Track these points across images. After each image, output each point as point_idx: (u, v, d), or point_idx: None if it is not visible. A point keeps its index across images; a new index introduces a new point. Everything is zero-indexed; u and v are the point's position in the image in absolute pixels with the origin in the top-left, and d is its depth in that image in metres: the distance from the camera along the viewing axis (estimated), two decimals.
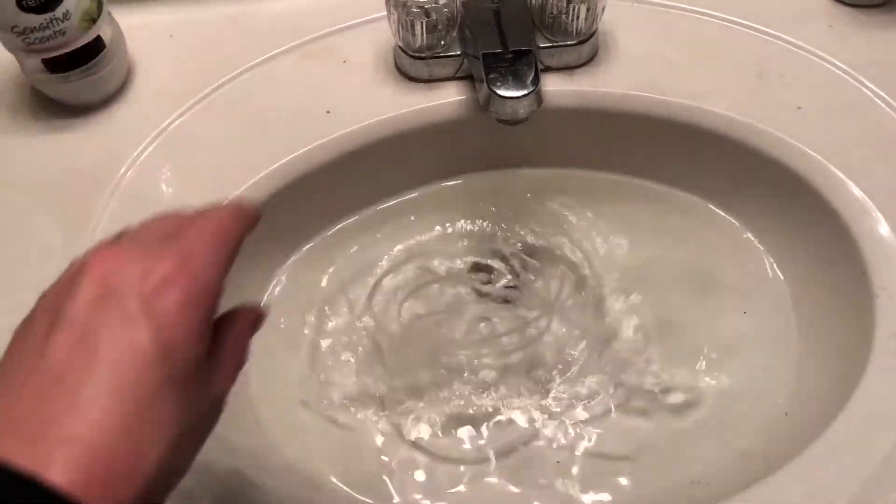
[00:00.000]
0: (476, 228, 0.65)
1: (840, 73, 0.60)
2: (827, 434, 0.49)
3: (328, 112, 0.59)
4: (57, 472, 0.25)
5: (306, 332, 0.60)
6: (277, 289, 0.61)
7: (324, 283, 0.62)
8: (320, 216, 0.63)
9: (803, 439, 0.51)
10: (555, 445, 0.57)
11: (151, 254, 0.29)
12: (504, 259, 0.64)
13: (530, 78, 0.53)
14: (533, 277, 0.63)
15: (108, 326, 0.28)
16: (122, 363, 0.27)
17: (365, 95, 0.60)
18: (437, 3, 0.55)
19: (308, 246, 0.63)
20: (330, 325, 0.61)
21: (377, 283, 0.62)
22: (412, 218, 0.65)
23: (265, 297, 0.61)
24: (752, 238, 0.62)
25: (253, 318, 0.35)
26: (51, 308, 0.29)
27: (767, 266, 0.61)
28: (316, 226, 0.63)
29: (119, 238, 0.32)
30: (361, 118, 0.59)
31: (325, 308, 0.61)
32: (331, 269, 0.63)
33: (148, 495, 0.27)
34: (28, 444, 0.26)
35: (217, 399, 0.32)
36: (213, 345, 0.31)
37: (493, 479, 0.55)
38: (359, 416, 0.57)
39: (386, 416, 0.57)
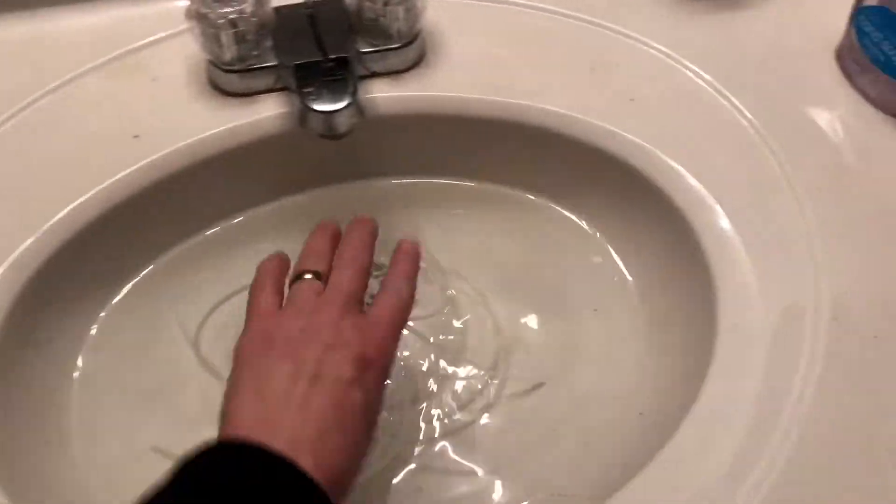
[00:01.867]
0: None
1: (671, 62, 0.59)
2: (678, 434, 0.48)
3: (136, 136, 0.54)
4: (306, 462, 0.34)
5: (129, 376, 0.55)
6: (95, 337, 0.56)
7: (149, 324, 0.57)
8: (137, 252, 0.57)
9: (657, 440, 0.49)
10: (414, 465, 0.54)
11: (360, 340, 0.40)
12: None
13: (348, 89, 0.50)
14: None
15: (335, 384, 0.38)
16: (347, 413, 0.38)
17: (177, 115, 0.55)
18: (243, 12, 0.51)
19: (128, 286, 0.58)
20: (159, 367, 0.56)
21: (205, 319, 0.57)
22: (245, 243, 0.61)
23: (83, 348, 0.55)
24: (598, 236, 0.61)
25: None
26: (290, 359, 0.39)
27: (614, 263, 0.60)
28: (133, 263, 0.58)
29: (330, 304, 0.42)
30: (175, 140, 0.55)
31: (151, 352, 0.56)
32: (157, 308, 0.58)
33: (346, 490, 0.37)
34: (284, 443, 0.35)
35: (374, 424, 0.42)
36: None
37: None
38: None
39: None
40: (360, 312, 0.42)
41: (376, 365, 0.40)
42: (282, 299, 0.44)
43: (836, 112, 0.57)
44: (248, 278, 0.58)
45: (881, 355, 0.49)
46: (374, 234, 0.47)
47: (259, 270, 0.46)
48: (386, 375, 0.41)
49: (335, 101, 0.49)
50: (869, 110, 0.57)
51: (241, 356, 0.40)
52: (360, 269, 0.44)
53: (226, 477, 0.33)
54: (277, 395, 0.37)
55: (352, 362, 0.38)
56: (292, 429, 0.36)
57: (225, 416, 0.38)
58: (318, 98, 0.49)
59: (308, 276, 0.44)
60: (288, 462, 0.34)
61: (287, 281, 0.45)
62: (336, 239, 0.47)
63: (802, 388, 0.48)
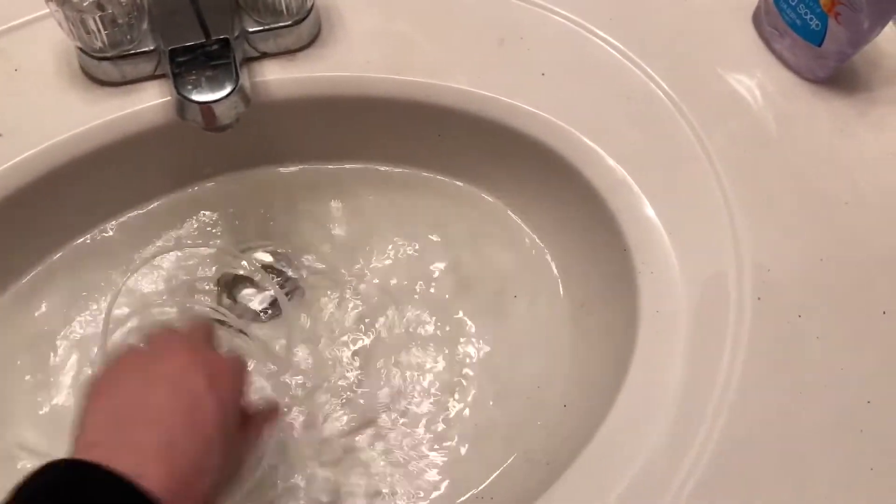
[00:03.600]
0: (213, 241, 0.57)
1: (583, 31, 0.56)
2: (603, 428, 0.46)
3: (0, 135, 0.49)
4: (151, 480, 0.34)
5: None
6: None
7: (31, 339, 0.52)
8: (11, 261, 0.52)
9: (583, 432, 0.47)
10: (323, 479, 0.51)
11: (212, 357, 0.42)
12: (249, 276, 0.56)
13: (231, 75, 0.45)
14: (288, 287, 0.56)
15: (186, 392, 0.39)
16: (198, 418, 0.38)
17: (47, 109, 0.50)
18: None
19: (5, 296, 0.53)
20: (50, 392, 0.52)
21: (104, 325, 0.53)
22: (133, 245, 0.56)
23: None
24: (515, 219, 0.58)
25: (273, 414, 0.48)
26: (143, 372, 0.40)
27: (533, 248, 0.57)
28: (8, 272, 0.53)
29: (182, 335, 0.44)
30: (45, 137, 0.49)
31: (39, 373, 0.52)
32: (38, 316, 0.53)
33: (208, 494, 0.38)
34: (132, 457, 0.35)
35: (241, 455, 0.44)
36: (243, 424, 0.43)
37: None
38: None
39: None
40: (209, 348, 0.45)
41: (227, 375, 0.42)
42: None
43: (753, 78, 0.55)
44: (137, 282, 0.55)
45: (805, 334, 0.47)
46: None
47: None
48: (239, 387, 0.43)
49: (216, 89, 0.44)
50: (787, 75, 0.55)
51: (94, 380, 0.41)
52: (204, 323, 0.47)
53: (61, 499, 0.33)
54: (128, 406, 0.38)
55: (203, 373, 0.40)
56: (141, 440, 0.37)
57: (77, 429, 0.38)
58: (198, 86, 0.44)
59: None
60: (126, 482, 0.33)
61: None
62: None
63: (728, 374, 0.46)
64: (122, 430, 0.37)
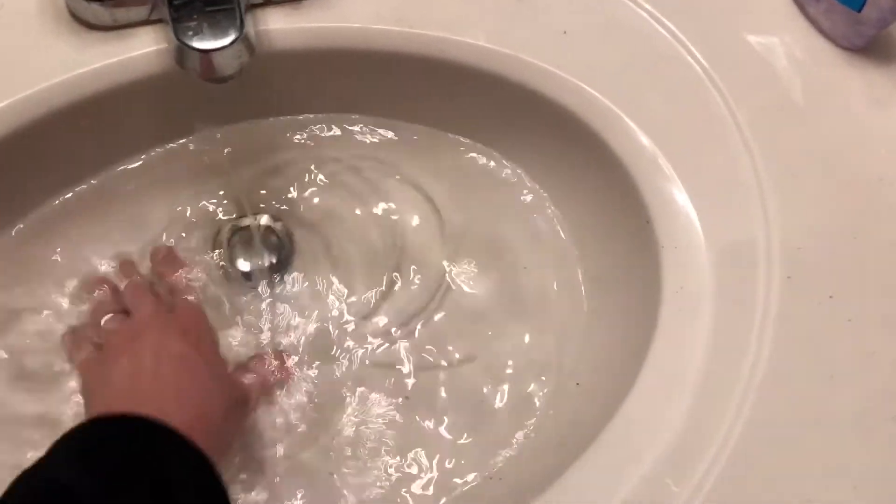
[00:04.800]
0: (212, 198, 0.54)
1: None
2: (624, 406, 0.44)
3: None
4: (173, 416, 0.37)
5: None
6: None
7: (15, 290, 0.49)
8: None
9: (597, 412, 0.45)
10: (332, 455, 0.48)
11: (175, 322, 0.46)
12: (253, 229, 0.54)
13: (235, 22, 0.42)
14: (290, 243, 0.54)
15: (171, 355, 0.43)
16: (188, 365, 0.43)
17: (30, 53, 0.46)
18: None
19: None
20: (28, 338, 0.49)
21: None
22: (125, 198, 0.53)
23: None
24: (529, 185, 0.55)
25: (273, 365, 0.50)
26: (126, 361, 0.42)
27: (548, 217, 0.55)
28: None
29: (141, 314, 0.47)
30: (30, 83, 0.46)
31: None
32: (25, 273, 0.50)
33: (216, 438, 0.41)
34: (148, 406, 0.37)
35: (243, 397, 0.46)
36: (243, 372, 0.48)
37: None
38: None
39: None
40: (166, 312, 0.47)
41: (194, 328, 0.46)
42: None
43: (785, 45, 0.52)
44: (128, 242, 0.52)
45: (836, 316, 0.45)
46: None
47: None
48: (209, 335, 0.47)
49: (218, 37, 0.41)
50: (821, 43, 0.52)
51: (82, 373, 0.46)
52: (145, 292, 0.49)
53: (108, 442, 0.35)
54: (129, 378, 0.41)
55: (175, 335, 0.44)
56: (153, 397, 0.40)
57: (89, 413, 0.42)
58: (199, 33, 0.41)
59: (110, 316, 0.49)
60: (159, 424, 0.36)
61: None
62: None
63: (756, 356, 0.44)
64: (129, 398, 0.40)
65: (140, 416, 0.36)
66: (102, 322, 0.48)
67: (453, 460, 0.49)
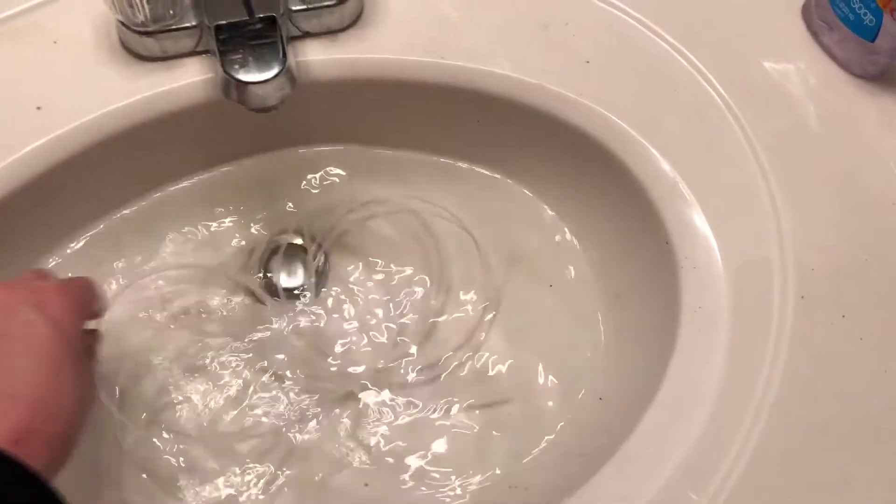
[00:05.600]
0: (249, 222, 0.57)
1: (628, 18, 0.55)
2: (643, 423, 0.45)
3: (39, 108, 0.48)
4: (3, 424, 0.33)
5: None
6: None
7: None
8: (48, 236, 0.52)
9: (619, 425, 0.47)
10: (356, 462, 0.50)
11: (34, 286, 0.40)
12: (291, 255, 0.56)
13: (278, 55, 0.44)
14: (325, 268, 0.56)
15: (16, 326, 0.37)
16: (36, 346, 0.36)
17: (85, 83, 0.49)
18: None
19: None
20: None
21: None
22: (170, 219, 0.55)
23: None
24: (552, 209, 0.58)
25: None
26: None
27: (569, 238, 0.57)
28: (45, 247, 0.52)
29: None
30: (84, 112, 0.49)
31: None
32: None
33: (68, 434, 0.36)
34: None
35: (93, 375, 0.42)
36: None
37: None
38: None
39: None
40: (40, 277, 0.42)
41: (57, 295, 0.39)
42: None
43: (800, 72, 0.54)
44: (175, 257, 0.54)
45: (849, 335, 0.47)
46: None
47: None
48: (75, 305, 0.40)
49: (263, 70, 0.43)
50: (835, 70, 0.54)
51: None
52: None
53: None
54: None
55: (27, 301, 0.38)
56: None
57: None
58: (244, 66, 0.44)
59: None
60: None
61: None
62: None
63: (770, 373, 0.46)
64: None
65: None
66: None
67: (476, 469, 0.51)
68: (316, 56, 0.51)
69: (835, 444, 0.44)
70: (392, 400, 0.53)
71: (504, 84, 0.52)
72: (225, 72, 0.43)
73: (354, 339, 0.54)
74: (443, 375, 0.53)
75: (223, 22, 0.45)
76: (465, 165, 0.58)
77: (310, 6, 0.50)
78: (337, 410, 0.52)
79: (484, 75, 0.52)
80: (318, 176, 0.58)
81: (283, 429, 0.50)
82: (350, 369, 0.53)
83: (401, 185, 0.58)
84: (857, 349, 0.47)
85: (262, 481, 0.50)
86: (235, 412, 0.52)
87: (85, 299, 0.42)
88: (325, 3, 0.50)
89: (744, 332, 0.46)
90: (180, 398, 0.51)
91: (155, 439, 0.50)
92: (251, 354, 0.53)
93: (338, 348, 0.54)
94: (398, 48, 0.52)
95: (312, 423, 0.51)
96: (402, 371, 0.53)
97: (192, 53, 0.50)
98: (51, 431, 0.35)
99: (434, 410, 0.53)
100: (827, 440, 0.45)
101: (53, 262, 0.53)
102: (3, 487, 0.31)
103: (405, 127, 0.56)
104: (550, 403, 0.53)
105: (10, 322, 0.37)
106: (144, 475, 0.49)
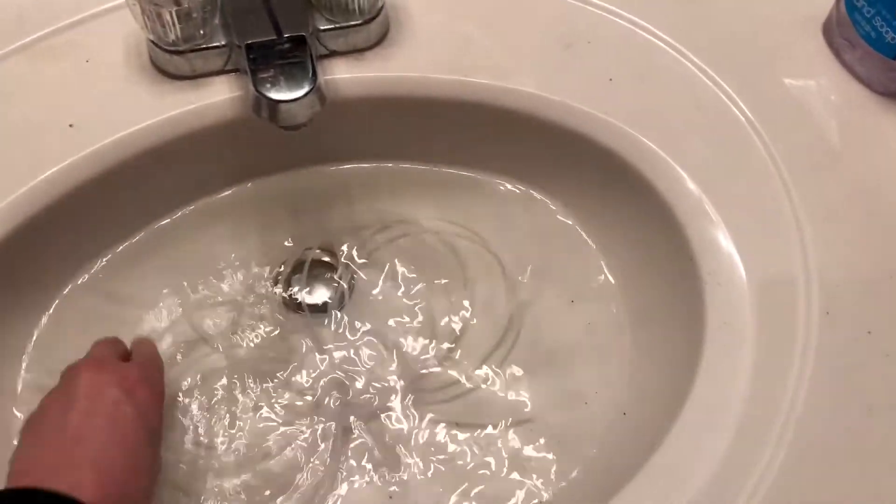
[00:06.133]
0: (275, 238, 0.57)
1: (650, 37, 0.56)
2: (669, 438, 0.46)
3: (71, 125, 0.49)
4: (87, 492, 0.36)
5: None
6: (25, 363, 0.51)
7: (97, 325, 0.52)
8: (79, 252, 0.53)
9: (643, 441, 0.47)
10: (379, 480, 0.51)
11: (121, 371, 0.43)
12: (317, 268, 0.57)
13: (308, 74, 0.45)
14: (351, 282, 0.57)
15: (104, 406, 0.41)
16: (121, 426, 0.41)
17: (116, 101, 0.50)
18: None
19: (63, 294, 0.53)
20: None
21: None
22: (198, 233, 0.56)
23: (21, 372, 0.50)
24: (576, 225, 0.58)
25: None
26: (60, 398, 0.42)
27: (594, 254, 0.57)
28: (76, 263, 0.53)
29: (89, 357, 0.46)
30: (116, 129, 0.50)
31: None
32: (105, 309, 0.53)
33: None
34: (64, 476, 0.37)
35: (159, 451, 0.45)
36: None
37: None
38: None
39: None
40: (116, 355, 0.47)
41: (140, 381, 0.43)
42: None
43: (822, 89, 0.54)
44: (203, 272, 0.55)
45: (874, 351, 0.47)
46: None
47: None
48: (155, 393, 0.45)
49: (293, 88, 0.44)
50: (857, 87, 0.55)
51: (24, 424, 0.43)
52: (107, 341, 0.48)
53: None
54: (52, 433, 0.40)
55: (115, 385, 0.42)
56: (68, 459, 0.39)
57: (11, 463, 0.40)
58: (275, 85, 0.44)
59: None
60: (63, 496, 0.35)
61: None
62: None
63: (795, 390, 0.46)
64: (49, 454, 0.39)
65: (48, 492, 0.35)
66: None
67: (502, 486, 0.51)
68: (343, 74, 0.52)
69: (860, 459, 0.44)
70: (416, 418, 0.53)
71: (528, 101, 0.53)
72: (256, 90, 0.44)
73: (381, 356, 0.54)
74: (470, 395, 0.53)
75: (255, 41, 0.46)
76: (490, 180, 0.59)
77: (337, 25, 0.51)
78: (363, 428, 0.52)
79: (508, 93, 0.53)
80: (342, 193, 0.59)
81: (310, 455, 0.51)
82: (377, 384, 0.53)
83: (428, 200, 0.58)
84: (882, 365, 0.47)
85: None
86: (262, 437, 0.52)
87: (160, 379, 0.47)
88: (352, 23, 0.51)
89: (769, 348, 0.46)
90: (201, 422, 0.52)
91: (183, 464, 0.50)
92: (277, 374, 0.53)
93: (363, 366, 0.54)
94: (423, 66, 0.53)
95: (338, 442, 0.52)
96: (428, 390, 0.53)
97: (221, 72, 0.51)
98: (132, 491, 0.40)
99: (460, 430, 0.53)
100: (852, 456, 0.44)
101: (82, 280, 0.54)
102: None
103: (431, 143, 0.57)
104: (575, 419, 0.53)
105: (97, 402, 0.41)
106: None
